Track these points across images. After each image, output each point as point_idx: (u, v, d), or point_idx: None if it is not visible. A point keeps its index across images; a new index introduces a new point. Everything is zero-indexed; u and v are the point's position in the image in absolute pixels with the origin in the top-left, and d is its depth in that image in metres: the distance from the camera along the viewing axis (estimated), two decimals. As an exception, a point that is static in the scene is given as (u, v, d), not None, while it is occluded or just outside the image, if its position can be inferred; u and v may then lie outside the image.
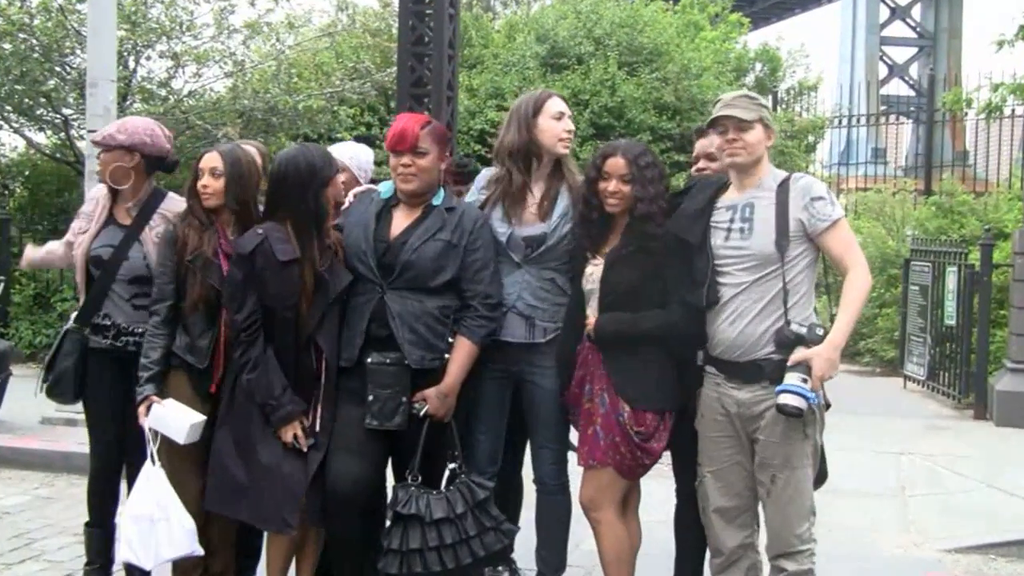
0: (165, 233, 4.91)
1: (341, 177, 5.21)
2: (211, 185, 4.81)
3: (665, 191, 4.73)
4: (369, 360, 4.59)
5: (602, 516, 4.76)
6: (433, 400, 4.60)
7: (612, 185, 4.66)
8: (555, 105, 5.01)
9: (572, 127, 5.07)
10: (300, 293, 4.56)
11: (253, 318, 4.56)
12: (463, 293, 4.73)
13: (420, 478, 4.64)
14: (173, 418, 4.65)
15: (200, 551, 4.66)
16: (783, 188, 4.40)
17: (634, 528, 4.90)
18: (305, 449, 4.59)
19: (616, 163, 4.66)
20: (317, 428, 4.63)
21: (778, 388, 4.22)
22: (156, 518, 4.58)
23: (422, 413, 4.59)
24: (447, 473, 4.69)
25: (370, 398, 4.57)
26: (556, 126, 4.97)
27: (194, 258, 4.74)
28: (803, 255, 4.38)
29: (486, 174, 5.18)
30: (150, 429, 4.69)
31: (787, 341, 4.27)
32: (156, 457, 4.69)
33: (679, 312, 4.53)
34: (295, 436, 4.57)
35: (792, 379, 4.20)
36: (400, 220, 4.78)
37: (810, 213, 4.33)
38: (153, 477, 4.67)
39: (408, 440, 4.64)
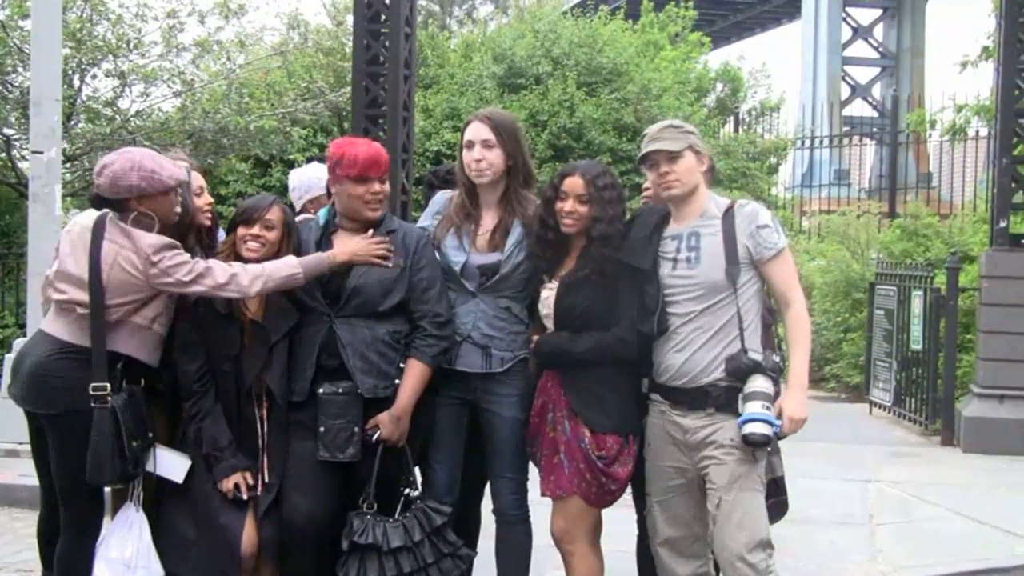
0: None
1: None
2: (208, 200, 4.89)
3: (624, 214, 4.68)
4: (320, 391, 4.53)
5: (576, 548, 4.69)
6: (386, 424, 4.53)
7: (568, 205, 4.59)
8: (467, 132, 4.84)
9: (483, 157, 4.77)
10: (239, 342, 4.55)
11: (205, 368, 4.55)
12: (412, 314, 4.68)
13: (375, 506, 4.57)
14: (169, 459, 4.59)
15: None
16: (728, 216, 4.43)
17: (598, 558, 4.80)
18: (245, 497, 4.52)
19: (574, 183, 4.60)
20: (266, 479, 4.58)
21: (742, 418, 4.19)
22: (133, 565, 4.49)
23: (375, 438, 4.51)
24: (402, 500, 4.63)
25: (321, 429, 4.50)
26: (466, 155, 4.80)
27: None
28: (752, 282, 4.42)
29: (441, 198, 5.07)
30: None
31: (744, 368, 4.28)
32: (140, 502, 4.59)
33: (619, 336, 4.49)
34: (236, 486, 4.51)
35: (754, 407, 4.18)
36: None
37: (756, 241, 4.37)
38: (135, 522, 4.57)
39: (363, 467, 4.56)
